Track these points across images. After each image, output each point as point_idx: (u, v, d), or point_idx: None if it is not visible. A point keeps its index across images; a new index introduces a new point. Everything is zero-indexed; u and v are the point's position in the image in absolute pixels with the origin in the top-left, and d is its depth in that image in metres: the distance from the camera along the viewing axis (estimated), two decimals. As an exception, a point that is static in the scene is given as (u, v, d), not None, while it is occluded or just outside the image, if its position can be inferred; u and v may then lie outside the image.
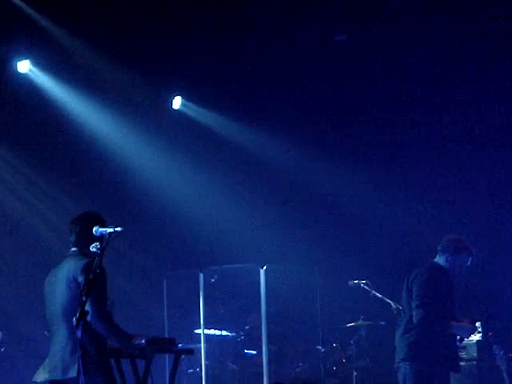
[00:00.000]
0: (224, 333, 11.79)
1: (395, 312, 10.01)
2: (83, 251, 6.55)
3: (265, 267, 11.15)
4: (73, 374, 6.29)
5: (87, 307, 5.83)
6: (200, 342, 11.29)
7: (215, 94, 12.68)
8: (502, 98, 12.13)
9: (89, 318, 5.85)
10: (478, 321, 9.15)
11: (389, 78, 12.34)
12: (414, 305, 7.83)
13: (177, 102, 12.80)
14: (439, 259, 8.05)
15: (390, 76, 12.30)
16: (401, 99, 12.60)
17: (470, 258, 8.01)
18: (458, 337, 8.06)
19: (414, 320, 7.81)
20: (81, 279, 6.36)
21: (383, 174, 12.67)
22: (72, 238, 6.64)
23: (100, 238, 6.39)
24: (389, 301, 10.28)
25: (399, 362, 7.98)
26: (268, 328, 11.03)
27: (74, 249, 6.63)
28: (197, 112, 13.00)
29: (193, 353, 7.98)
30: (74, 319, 5.82)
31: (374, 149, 12.87)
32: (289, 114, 12.95)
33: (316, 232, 12.88)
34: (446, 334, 7.85)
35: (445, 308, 7.84)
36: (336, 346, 11.55)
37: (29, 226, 11.77)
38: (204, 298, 11.35)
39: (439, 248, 8.06)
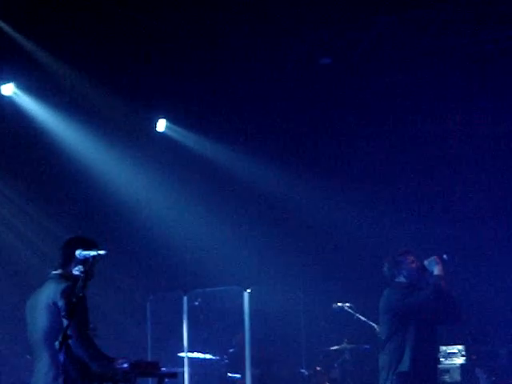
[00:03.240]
0: (208, 356, 11.75)
1: (379, 335, 10.01)
2: (65, 274, 6.53)
3: (249, 290, 11.13)
4: (55, 399, 6.25)
5: (69, 331, 5.81)
6: (184, 366, 11.24)
7: (199, 117, 12.71)
8: (487, 118, 12.22)
9: (71, 342, 5.82)
10: (460, 344, 9.17)
11: (372, 101, 12.41)
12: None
13: (161, 125, 12.82)
14: (399, 278, 8.07)
15: (373, 99, 12.37)
16: (383, 121, 12.68)
17: (411, 257, 8.01)
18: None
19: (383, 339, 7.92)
20: (61, 303, 6.33)
21: (367, 197, 12.72)
22: (57, 261, 6.63)
23: (84, 261, 6.38)
24: (372, 324, 10.29)
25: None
26: (252, 351, 10.99)
27: (56, 271, 6.60)
28: (181, 134, 13.02)
29: (176, 376, 7.94)
30: (57, 343, 5.79)
31: (358, 171, 12.93)
32: (273, 137, 13.00)
33: (300, 255, 12.88)
34: (425, 350, 7.83)
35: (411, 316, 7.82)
36: (320, 370, 11.52)
37: (11, 248, 11.71)
38: (188, 321, 11.31)
39: (391, 277, 8.07)
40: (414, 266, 7.97)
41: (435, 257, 7.88)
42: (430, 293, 7.71)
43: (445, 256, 7.86)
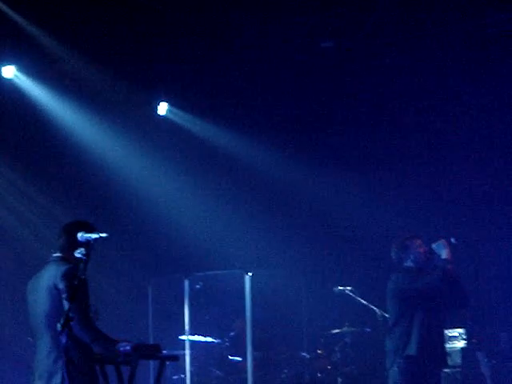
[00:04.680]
0: (209, 339, 11.78)
1: (380, 319, 10.04)
2: (67, 257, 6.54)
3: (250, 273, 11.14)
4: (57, 381, 6.27)
5: (71, 313, 5.82)
6: (185, 349, 11.27)
7: (201, 100, 12.69)
8: (489, 105, 12.19)
9: (72, 324, 5.84)
10: (460, 327, 9.18)
11: (375, 85, 12.38)
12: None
13: (162, 108, 12.79)
14: (406, 262, 8.08)
15: (376, 82, 12.34)
16: (386, 106, 12.65)
17: (418, 240, 8.02)
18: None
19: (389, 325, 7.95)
20: (61, 286, 6.35)
21: (370, 179, 12.71)
22: (58, 244, 6.63)
23: (85, 243, 6.39)
24: (374, 307, 10.30)
25: (389, 367, 8.00)
26: (253, 334, 11.02)
27: (56, 254, 6.60)
28: (182, 118, 13.00)
29: (178, 359, 7.97)
30: (59, 325, 5.80)
31: (361, 154, 12.91)
32: (274, 120, 12.97)
33: (301, 238, 12.89)
34: (430, 332, 7.85)
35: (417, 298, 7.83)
36: (321, 353, 11.55)
37: (12, 231, 11.72)
38: (189, 305, 11.34)
39: (398, 261, 8.08)
40: (421, 250, 7.99)
41: (443, 240, 7.89)
42: (437, 276, 7.72)
43: (452, 239, 7.87)
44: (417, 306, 7.80)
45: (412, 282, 7.80)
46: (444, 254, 7.85)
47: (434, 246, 7.90)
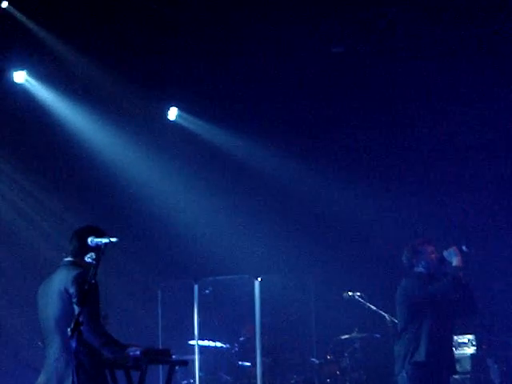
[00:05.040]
0: (218, 344, 11.77)
1: (390, 324, 10.01)
2: (78, 261, 6.55)
3: (259, 278, 11.14)
4: (67, 385, 6.28)
5: (81, 318, 5.83)
6: (194, 354, 11.27)
7: (211, 105, 12.71)
8: (499, 110, 12.17)
9: (82, 328, 5.84)
10: (470, 333, 9.17)
11: (385, 90, 12.37)
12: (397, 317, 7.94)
13: (173, 113, 12.82)
14: (417, 268, 8.06)
15: (386, 88, 12.33)
16: (397, 111, 12.64)
17: (433, 248, 8.00)
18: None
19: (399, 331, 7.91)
20: (72, 290, 6.36)
21: (379, 184, 12.69)
22: (69, 249, 6.65)
23: (95, 248, 6.40)
24: (383, 313, 10.28)
25: (399, 373, 7.98)
26: (262, 340, 11.01)
27: (68, 258, 6.62)
28: (193, 123, 13.02)
29: (187, 364, 7.96)
30: (69, 330, 5.81)
31: (369, 159, 12.90)
32: (285, 125, 12.97)
33: (311, 243, 12.87)
34: (439, 339, 7.83)
35: (428, 307, 7.81)
36: (330, 359, 11.53)
37: (25, 238, 11.75)
38: (198, 309, 11.33)
39: (409, 264, 8.07)
40: (433, 256, 7.96)
41: (454, 247, 7.87)
42: (448, 284, 7.69)
43: (464, 247, 7.84)
44: (426, 313, 7.78)
45: (422, 289, 7.78)
46: (455, 261, 7.82)
47: (445, 253, 7.88)
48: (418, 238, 8.08)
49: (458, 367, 9.48)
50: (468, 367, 9.69)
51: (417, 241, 8.07)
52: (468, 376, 9.68)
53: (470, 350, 9.71)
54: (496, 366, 8.97)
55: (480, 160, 12.42)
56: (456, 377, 9.36)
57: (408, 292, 7.84)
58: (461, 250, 7.84)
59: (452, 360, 8.04)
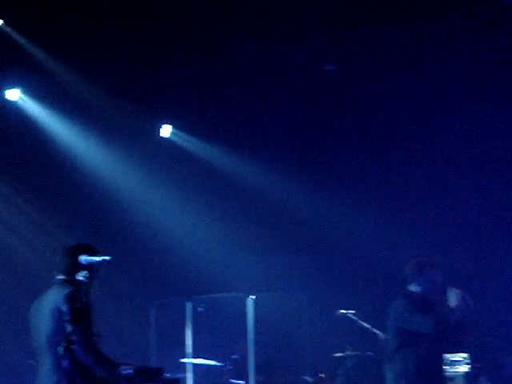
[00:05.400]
0: (211, 362, 11.74)
1: (383, 342, 9.98)
2: (70, 280, 6.53)
3: (253, 296, 11.12)
4: (59, 404, 6.25)
5: (74, 337, 5.81)
6: (187, 372, 11.24)
7: (204, 123, 12.72)
8: (491, 126, 12.20)
9: (75, 347, 5.82)
10: (464, 352, 9.15)
11: (378, 108, 12.42)
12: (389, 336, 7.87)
13: (165, 131, 12.83)
14: (412, 286, 8.02)
15: (378, 105, 12.38)
16: (387, 127, 12.68)
17: (438, 272, 7.96)
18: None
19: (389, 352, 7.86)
20: (64, 308, 6.34)
21: (372, 203, 12.71)
22: (61, 266, 6.63)
23: (88, 266, 6.38)
24: (376, 331, 10.26)
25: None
26: (256, 357, 10.99)
27: (60, 277, 6.60)
28: (186, 140, 13.03)
29: (179, 382, 7.94)
30: (61, 348, 5.79)
31: (364, 177, 12.92)
32: (278, 142, 13.00)
33: (304, 261, 12.87)
34: (431, 358, 7.81)
35: (421, 329, 7.77)
36: (323, 376, 11.50)
37: (17, 255, 11.72)
38: (191, 327, 11.31)
39: (407, 278, 8.03)
40: (434, 281, 7.89)
41: (459, 292, 7.79)
42: (432, 320, 7.65)
43: (467, 298, 7.78)
44: (416, 337, 7.77)
45: (411, 316, 7.70)
46: (453, 303, 7.77)
47: (448, 290, 7.81)
48: (426, 258, 8.00)
49: (451, 386, 9.49)
50: (462, 386, 9.67)
51: (424, 260, 7.97)
52: (461, 394, 9.66)
53: (464, 369, 9.67)
54: (489, 384, 8.96)
55: (479, 181, 12.42)
56: (450, 395, 9.34)
57: (398, 316, 7.80)
58: (464, 299, 7.77)
59: (442, 381, 8.02)
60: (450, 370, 8.74)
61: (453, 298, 7.72)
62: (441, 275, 7.93)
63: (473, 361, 9.64)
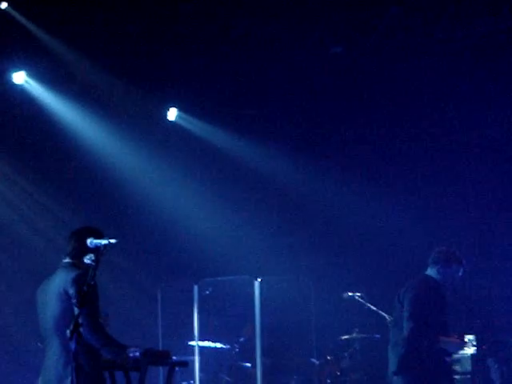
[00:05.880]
0: (218, 345, 11.77)
1: (390, 325, 9.99)
2: (76, 263, 6.55)
3: (259, 279, 11.13)
4: (66, 386, 6.27)
5: (81, 319, 5.82)
6: (194, 355, 11.26)
7: (211, 106, 12.70)
8: (499, 109, 12.13)
9: (82, 330, 5.84)
10: (470, 334, 9.16)
11: (384, 90, 12.36)
12: (405, 317, 7.84)
13: (172, 114, 12.81)
14: (431, 271, 8.05)
15: (385, 88, 12.32)
16: (395, 110, 12.62)
17: (462, 269, 8.02)
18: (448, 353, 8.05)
19: (405, 332, 7.81)
20: (71, 291, 6.36)
21: (379, 185, 12.68)
22: (67, 250, 6.64)
23: (94, 249, 6.39)
24: (383, 314, 10.26)
25: (392, 376, 7.97)
26: (262, 340, 11.01)
27: (66, 260, 6.61)
28: (192, 124, 13.01)
29: (187, 365, 7.96)
30: (68, 331, 5.80)
31: (370, 159, 12.88)
32: (284, 126, 12.97)
33: (311, 244, 12.87)
34: (436, 347, 7.84)
35: (435, 321, 7.83)
36: (330, 359, 11.52)
37: (23, 238, 11.74)
38: (198, 310, 11.33)
39: (430, 260, 8.07)
40: (454, 278, 7.98)
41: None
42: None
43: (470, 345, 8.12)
44: (428, 323, 7.80)
45: (429, 302, 7.78)
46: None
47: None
48: (456, 252, 8.06)
49: (458, 367, 9.50)
50: (468, 367, 9.67)
51: (454, 253, 8.03)
52: (468, 376, 9.66)
53: (471, 351, 9.68)
54: (496, 366, 8.95)
55: (484, 160, 12.37)
56: (457, 377, 9.35)
57: (416, 301, 7.82)
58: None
59: (449, 365, 8.05)
60: (456, 354, 8.75)
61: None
62: (461, 274, 7.99)
63: (479, 343, 9.64)
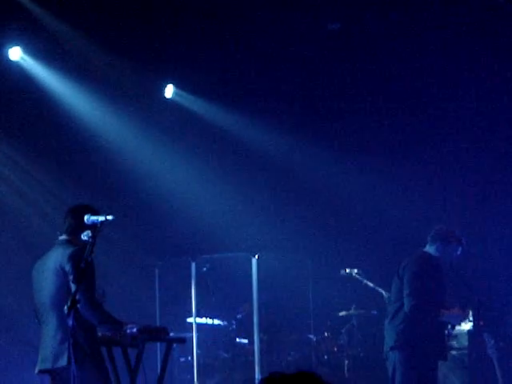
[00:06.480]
0: (216, 322, 11.80)
1: (387, 301, 10.02)
2: (72, 240, 6.55)
3: (257, 256, 11.14)
4: (63, 362, 6.29)
5: (78, 296, 5.83)
6: (192, 331, 11.29)
7: (208, 83, 12.64)
8: (500, 88, 12.08)
9: (79, 306, 5.85)
10: (468, 309, 9.19)
11: (381, 67, 12.30)
12: (405, 293, 7.86)
13: (169, 91, 12.76)
14: (429, 248, 8.08)
15: (382, 65, 12.27)
16: (392, 88, 12.57)
17: (460, 248, 8.05)
18: (450, 325, 8.09)
19: (405, 308, 7.83)
20: (68, 268, 6.36)
21: (376, 162, 12.66)
22: (64, 227, 6.64)
23: (91, 226, 6.39)
24: (381, 290, 10.30)
25: (388, 351, 8.01)
26: (260, 317, 11.04)
27: (62, 237, 6.61)
28: (189, 100, 12.96)
29: (184, 341, 7.99)
30: (65, 308, 5.81)
31: (367, 136, 12.84)
32: (282, 103, 12.92)
33: (309, 221, 12.87)
34: (436, 323, 7.88)
35: (435, 297, 7.86)
36: (327, 335, 11.56)
37: (21, 215, 11.73)
38: (196, 287, 11.35)
39: (429, 237, 8.10)
40: (452, 256, 8.01)
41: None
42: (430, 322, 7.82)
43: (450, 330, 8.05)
44: (427, 299, 7.83)
45: (429, 279, 7.81)
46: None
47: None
48: (457, 232, 8.11)
49: (455, 343, 9.55)
50: (465, 343, 9.73)
51: (454, 233, 8.09)
52: (465, 352, 9.72)
53: (467, 326, 9.72)
54: (493, 342, 8.99)
55: (488, 143, 12.32)
56: (453, 352, 9.41)
57: (415, 277, 7.85)
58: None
59: (443, 344, 8.09)
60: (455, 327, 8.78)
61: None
62: (459, 254, 8.04)
63: (476, 318, 9.67)
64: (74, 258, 6.34)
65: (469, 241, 8.32)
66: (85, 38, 11.05)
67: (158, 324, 11.06)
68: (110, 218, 6.31)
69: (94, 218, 6.39)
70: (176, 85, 12.76)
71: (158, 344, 10.11)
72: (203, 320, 11.67)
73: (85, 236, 6.40)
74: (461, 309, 8.14)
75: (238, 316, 11.86)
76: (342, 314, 11.38)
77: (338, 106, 12.87)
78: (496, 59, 11.76)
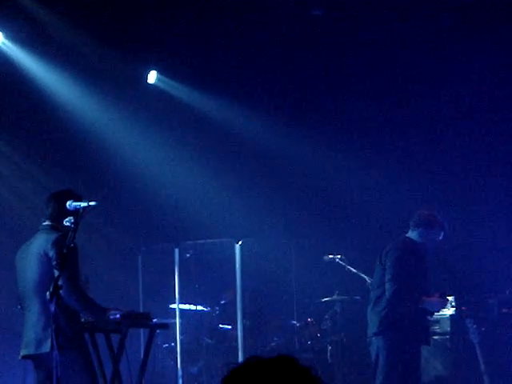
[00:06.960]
0: (199, 308, 11.80)
1: (370, 287, 10.05)
2: (56, 225, 6.53)
3: (240, 242, 11.15)
4: (46, 348, 6.29)
5: (60, 281, 5.81)
6: (175, 317, 11.30)
7: (191, 69, 12.59)
8: (491, 69, 12.02)
9: (62, 292, 5.83)
10: (449, 295, 9.24)
11: (367, 53, 12.27)
12: (386, 279, 7.89)
13: (152, 77, 12.71)
14: (412, 234, 8.10)
15: (368, 51, 12.24)
16: (380, 74, 12.54)
17: (442, 233, 8.06)
18: (429, 312, 8.12)
19: (387, 294, 7.86)
20: (51, 253, 6.35)
21: (360, 149, 12.67)
22: (47, 213, 6.62)
23: (74, 212, 6.38)
24: (364, 276, 10.32)
25: (371, 337, 8.04)
26: (243, 303, 11.05)
27: (46, 223, 6.60)
28: (172, 87, 12.91)
29: (168, 327, 8.01)
30: (48, 293, 5.80)
31: (352, 124, 12.84)
32: (266, 88, 12.88)
33: (292, 207, 12.87)
34: (417, 309, 7.91)
35: (417, 283, 7.90)
36: (311, 321, 11.59)
37: (4, 202, 11.68)
38: (179, 273, 11.35)
39: (412, 222, 8.11)
40: (435, 241, 8.02)
41: (446, 302, 8.08)
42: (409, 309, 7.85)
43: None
44: (410, 285, 7.87)
45: (412, 265, 7.84)
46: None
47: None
48: (439, 217, 8.10)
49: (437, 328, 9.59)
50: (447, 328, 9.77)
51: (436, 217, 8.07)
52: (447, 337, 9.76)
53: (450, 312, 9.77)
54: (475, 327, 9.04)
55: (472, 125, 12.32)
56: (436, 337, 9.45)
57: (396, 264, 7.87)
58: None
59: (426, 329, 8.14)
60: (436, 313, 8.83)
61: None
62: (442, 238, 8.04)
63: (458, 304, 9.73)
64: (57, 244, 6.33)
65: (451, 225, 8.33)
66: (67, 24, 10.98)
67: (141, 310, 11.06)
68: (92, 203, 6.31)
69: (76, 203, 6.38)
70: (159, 71, 12.70)
71: (142, 330, 10.11)
72: (186, 306, 11.67)
73: (67, 222, 6.39)
74: (441, 296, 8.17)
75: (222, 302, 11.87)
76: (325, 299, 11.40)
77: (324, 92, 12.85)
78: (486, 51, 11.73)
